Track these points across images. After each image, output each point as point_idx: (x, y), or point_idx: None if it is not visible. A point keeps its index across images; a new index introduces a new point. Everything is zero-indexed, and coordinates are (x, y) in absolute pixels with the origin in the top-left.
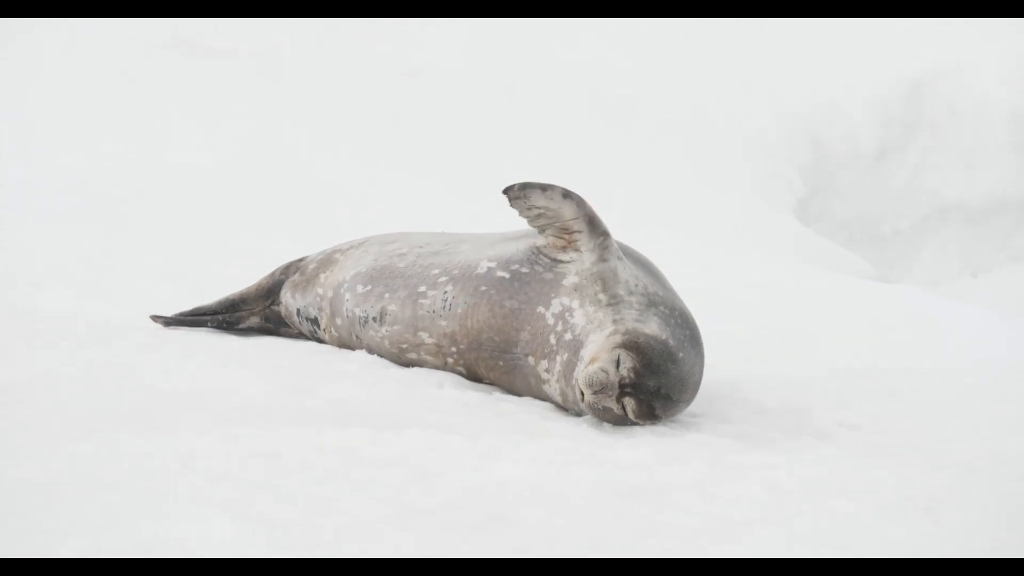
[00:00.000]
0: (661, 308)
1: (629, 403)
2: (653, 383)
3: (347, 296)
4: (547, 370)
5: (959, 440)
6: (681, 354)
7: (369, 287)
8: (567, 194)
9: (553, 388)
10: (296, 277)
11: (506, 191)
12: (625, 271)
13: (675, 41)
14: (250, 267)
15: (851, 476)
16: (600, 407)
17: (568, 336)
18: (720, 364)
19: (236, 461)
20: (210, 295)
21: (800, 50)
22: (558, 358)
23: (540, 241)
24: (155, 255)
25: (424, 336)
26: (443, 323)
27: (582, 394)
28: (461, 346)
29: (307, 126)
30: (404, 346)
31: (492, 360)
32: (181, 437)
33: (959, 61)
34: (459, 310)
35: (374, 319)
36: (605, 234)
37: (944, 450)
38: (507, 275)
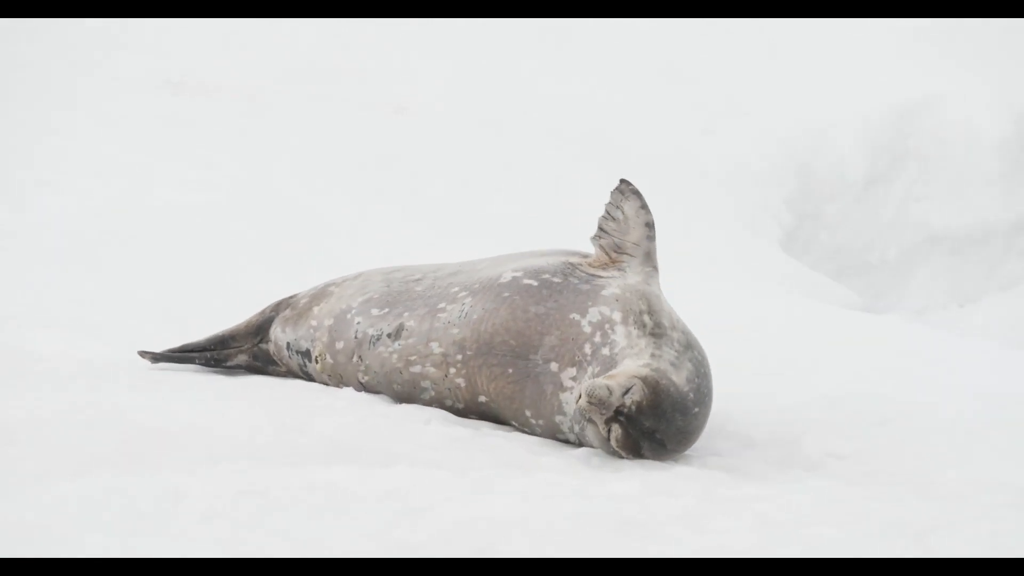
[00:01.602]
0: (695, 353)
1: (616, 430)
2: (650, 425)
3: (357, 319)
4: (573, 378)
5: (949, 469)
6: (696, 409)
7: (386, 310)
8: (649, 224)
9: (573, 396)
10: (287, 312)
11: (624, 180)
12: (666, 303)
13: (659, 73)
14: (239, 305)
15: (841, 506)
16: (588, 417)
17: (606, 351)
18: None
19: (225, 499)
20: (198, 334)
21: (786, 80)
22: (589, 368)
23: (574, 259)
24: (143, 294)
25: (434, 346)
26: (455, 331)
27: (579, 396)
28: (468, 352)
29: (294, 164)
30: (412, 358)
31: (500, 368)
32: (170, 476)
33: (945, 90)
34: (475, 316)
35: (388, 335)
36: (655, 268)
37: (934, 479)
38: (535, 283)
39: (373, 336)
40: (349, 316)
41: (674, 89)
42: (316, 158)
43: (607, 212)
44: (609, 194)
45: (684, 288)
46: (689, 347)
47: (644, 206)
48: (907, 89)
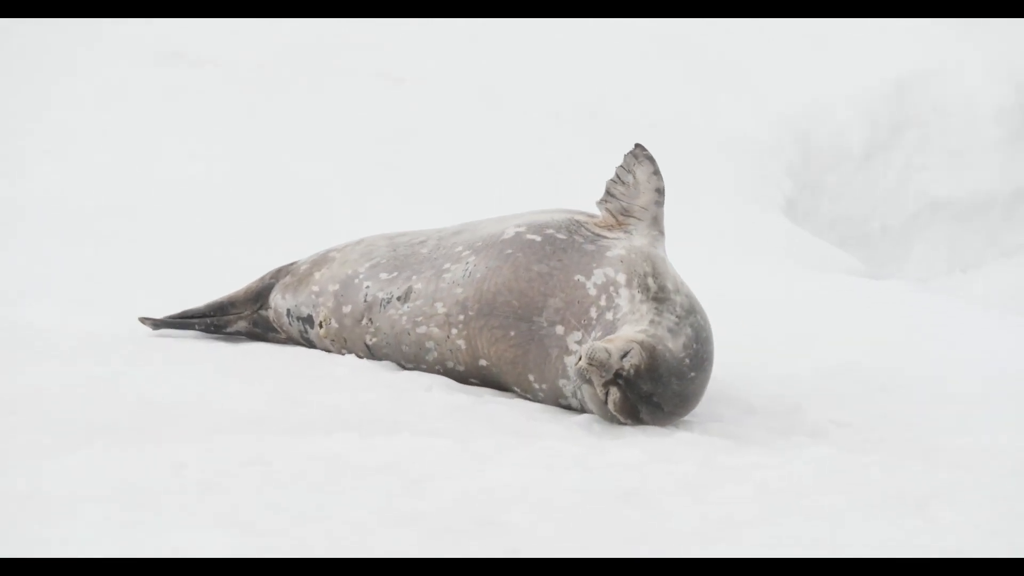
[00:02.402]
0: (697, 319)
1: (614, 393)
2: (648, 388)
3: (366, 284)
4: (578, 342)
5: (951, 437)
6: (692, 374)
7: (395, 274)
8: (660, 190)
9: (573, 359)
10: (287, 279)
11: (638, 145)
12: (671, 267)
13: (659, 44)
14: (240, 279)
15: (843, 474)
16: (587, 378)
17: (609, 316)
18: None
19: (227, 470)
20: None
21: (785, 51)
22: (594, 334)
23: (580, 217)
24: (143, 267)
25: (439, 306)
26: (459, 290)
27: (579, 358)
28: (470, 313)
29: (296, 136)
30: (419, 319)
31: (501, 330)
32: (171, 447)
33: (944, 59)
34: (478, 275)
35: (398, 299)
36: (662, 232)
37: (936, 447)
38: (538, 238)
39: (383, 299)
40: (357, 281)
41: (674, 60)
42: (317, 131)
43: (617, 175)
44: (622, 157)
45: (687, 257)
46: (691, 312)
47: (656, 172)
48: (907, 58)
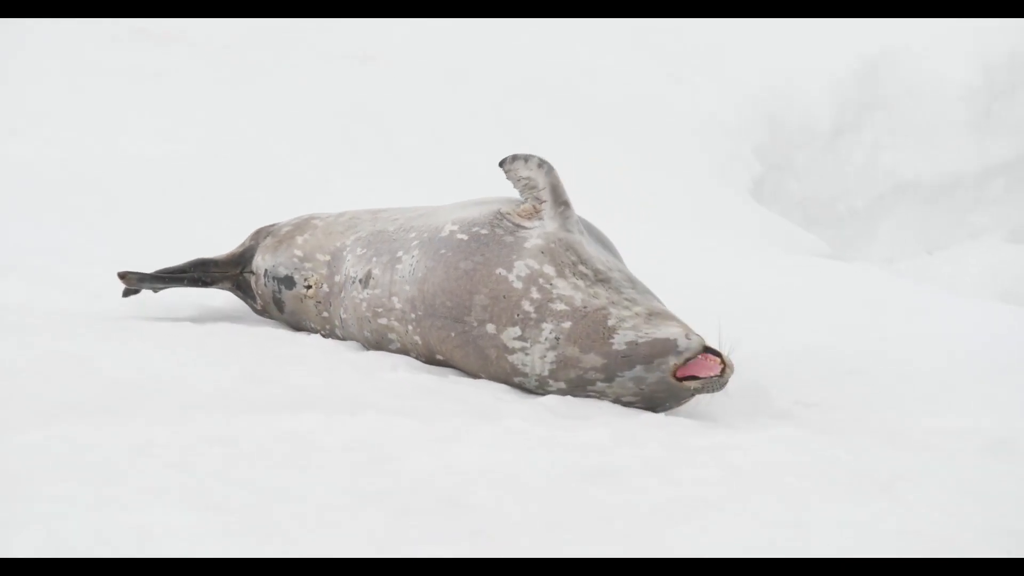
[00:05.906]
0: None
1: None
2: None
3: (349, 257)
4: (519, 338)
5: (917, 418)
6: None
7: (364, 250)
8: (541, 163)
9: (531, 356)
10: (268, 241)
11: (500, 163)
12: (589, 246)
13: (626, 25)
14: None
15: (809, 455)
16: (724, 383)
17: (561, 306)
18: None
19: (191, 449)
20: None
21: (754, 31)
22: (547, 325)
23: (505, 207)
24: (110, 245)
25: (395, 301)
26: (407, 288)
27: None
28: (419, 312)
29: (264, 115)
30: (379, 310)
31: (444, 331)
32: (136, 426)
33: (914, 40)
34: (420, 274)
35: (360, 281)
36: (566, 204)
37: (902, 428)
38: (466, 237)
39: (351, 278)
40: (344, 253)
41: (642, 39)
42: (286, 110)
43: (517, 188)
44: (506, 178)
45: (653, 238)
46: (632, 281)
47: (526, 158)
48: (875, 39)
